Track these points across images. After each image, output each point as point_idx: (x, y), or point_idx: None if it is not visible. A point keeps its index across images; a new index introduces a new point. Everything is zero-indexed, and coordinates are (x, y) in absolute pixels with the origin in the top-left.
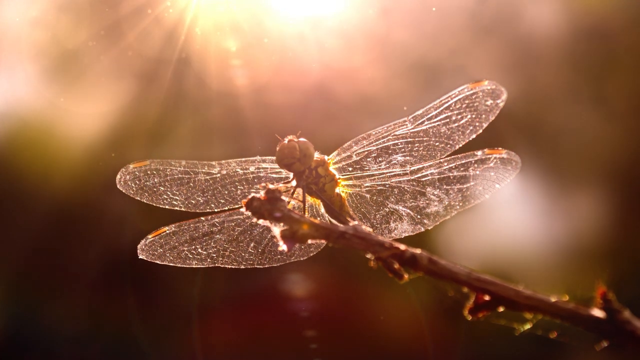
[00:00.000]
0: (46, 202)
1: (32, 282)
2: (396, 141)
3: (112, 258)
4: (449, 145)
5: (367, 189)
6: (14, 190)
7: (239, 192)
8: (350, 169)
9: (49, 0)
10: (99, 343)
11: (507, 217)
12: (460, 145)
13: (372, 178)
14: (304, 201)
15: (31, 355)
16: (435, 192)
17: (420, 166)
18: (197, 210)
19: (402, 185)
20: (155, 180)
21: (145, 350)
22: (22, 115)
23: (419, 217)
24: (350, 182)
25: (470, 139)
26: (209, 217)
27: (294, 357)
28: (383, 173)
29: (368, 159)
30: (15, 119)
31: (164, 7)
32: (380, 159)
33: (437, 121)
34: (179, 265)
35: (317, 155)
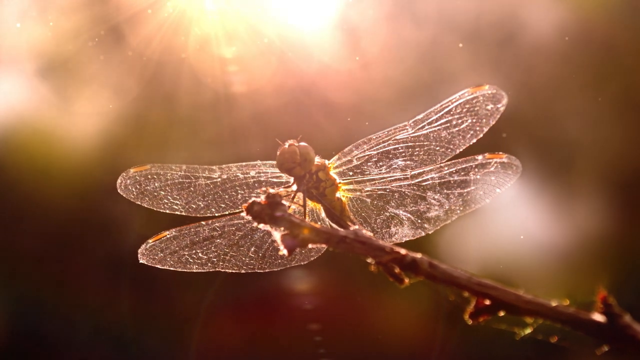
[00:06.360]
0: (46, 205)
1: (33, 286)
2: (397, 145)
3: (113, 262)
4: (449, 150)
5: (367, 193)
6: (14, 193)
7: (239, 196)
8: (351, 173)
9: (48, 0)
10: (101, 346)
11: (507, 221)
12: (461, 150)
13: (373, 182)
14: (304, 205)
15: (33, 357)
16: (436, 197)
17: (421, 170)
18: (198, 215)
19: (403, 190)
20: (156, 184)
21: (146, 352)
22: (21, 117)
23: (419, 221)
24: (351, 187)
25: (471, 143)
26: (210, 222)
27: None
28: (384, 177)
29: (369, 164)
30: (15, 120)
31: (164, 8)
32: (380, 164)
33: (438, 125)
34: (180, 270)
35: (317, 160)
